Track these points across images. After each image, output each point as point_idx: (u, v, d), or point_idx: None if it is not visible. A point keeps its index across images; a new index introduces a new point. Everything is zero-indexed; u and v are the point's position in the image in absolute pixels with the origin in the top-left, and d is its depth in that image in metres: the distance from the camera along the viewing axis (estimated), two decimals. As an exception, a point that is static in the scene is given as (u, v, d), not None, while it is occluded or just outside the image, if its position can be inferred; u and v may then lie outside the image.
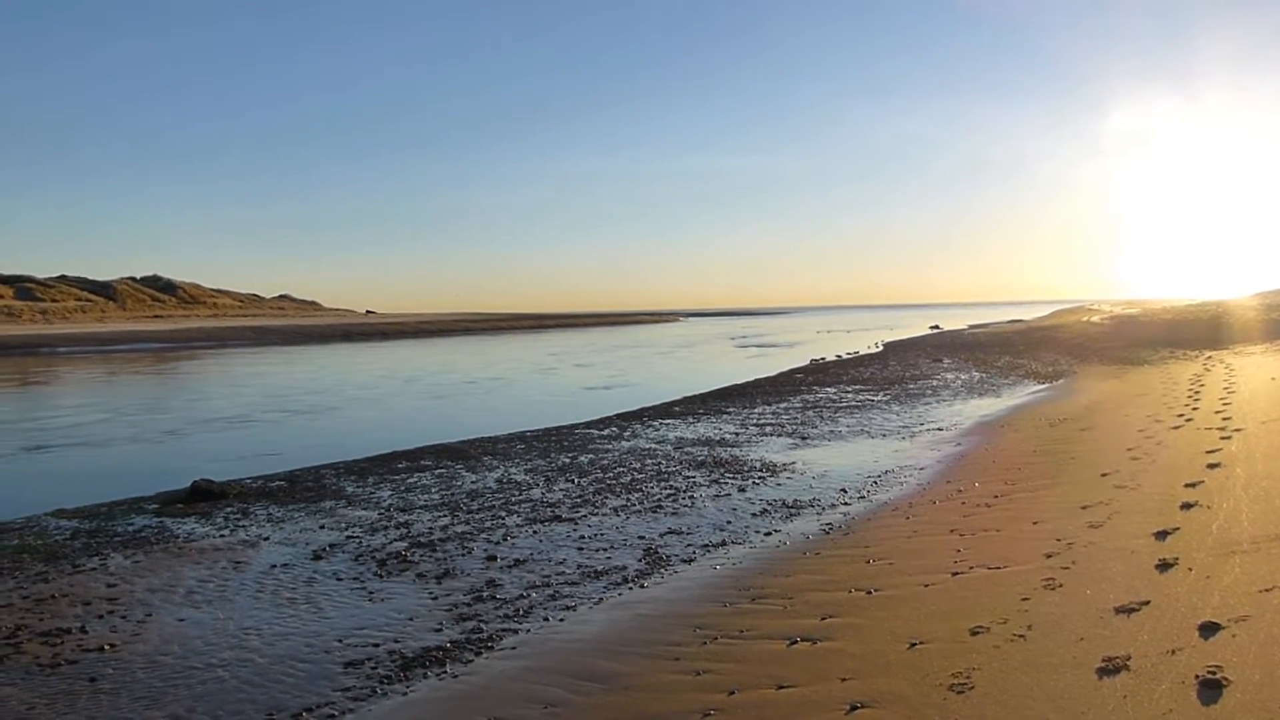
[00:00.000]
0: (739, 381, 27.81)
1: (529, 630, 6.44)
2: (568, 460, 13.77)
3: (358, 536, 9.33)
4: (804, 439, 15.46)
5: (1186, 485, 7.63)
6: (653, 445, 15.19)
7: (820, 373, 30.61)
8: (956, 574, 6.39)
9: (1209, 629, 4.23)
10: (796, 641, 5.46)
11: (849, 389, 24.18)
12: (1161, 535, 6.21)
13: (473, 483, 12.15)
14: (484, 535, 9.22)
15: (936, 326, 78.27)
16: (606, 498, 10.91)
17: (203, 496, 11.34)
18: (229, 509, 10.84)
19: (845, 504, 10.27)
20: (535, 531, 9.34)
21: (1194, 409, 13.29)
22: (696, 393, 24.45)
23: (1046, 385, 23.31)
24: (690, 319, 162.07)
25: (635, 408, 21.19)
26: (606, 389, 27.99)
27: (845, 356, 39.62)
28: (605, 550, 8.57)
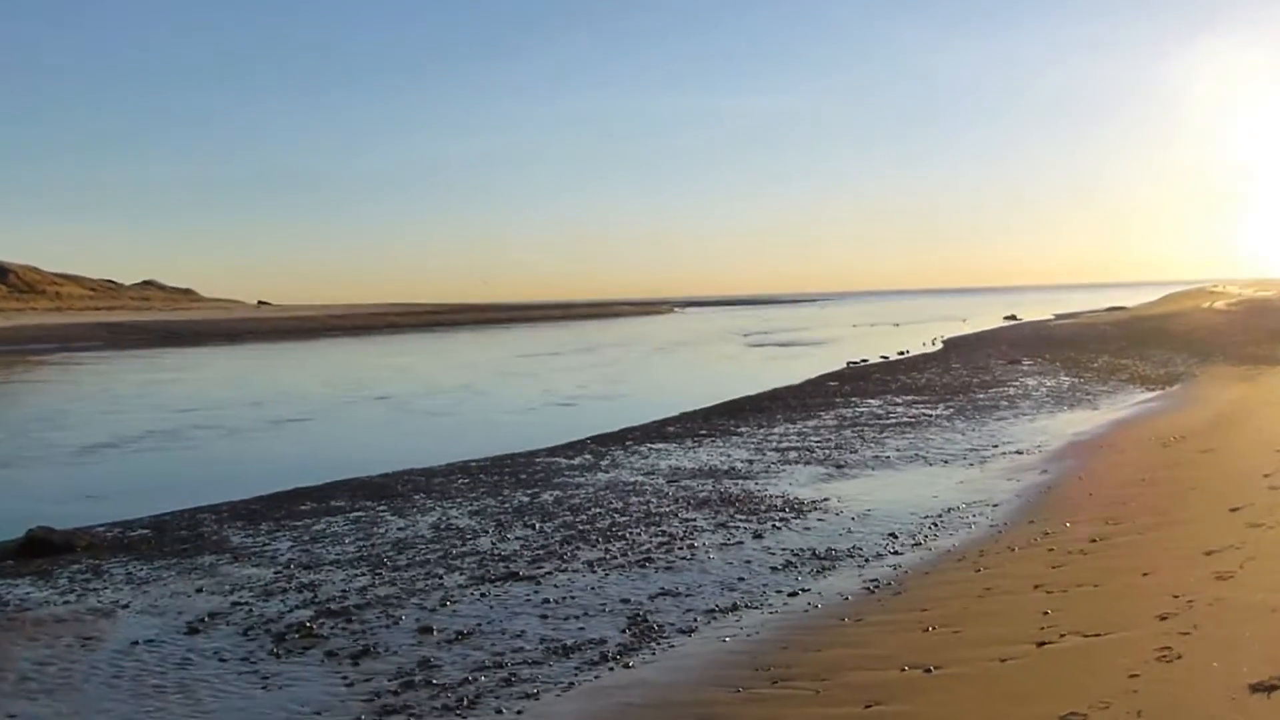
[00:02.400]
0: (753, 392, 27.88)
1: (476, 726, 6.41)
2: (526, 499, 13.74)
3: (247, 603, 9.27)
4: (839, 467, 15.49)
5: (1342, 523, 7.68)
6: (640, 478, 15.18)
7: (860, 379, 30.74)
8: (1043, 644, 6.40)
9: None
10: (832, 737, 5.45)
11: (898, 400, 24.27)
12: (1311, 590, 6.23)
13: (400, 529, 12.10)
14: (415, 599, 9.17)
15: (1013, 317, 78.75)
16: (578, 548, 10.88)
17: (41, 550, 11.23)
18: (76, 566, 10.73)
19: (895, 553, 10.29)
20: (484, 594, 9.31)
21: (1350, 423, 13.39)
22: (697, 407, 24.48)
23: (1157, 392, 23.45)
24: (687, 309, 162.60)
25: (616, 428, 21.18)
26: (580, 403, 27.99)
27: (893, 358, 39.80)
28: (577, 618, 8.54)
